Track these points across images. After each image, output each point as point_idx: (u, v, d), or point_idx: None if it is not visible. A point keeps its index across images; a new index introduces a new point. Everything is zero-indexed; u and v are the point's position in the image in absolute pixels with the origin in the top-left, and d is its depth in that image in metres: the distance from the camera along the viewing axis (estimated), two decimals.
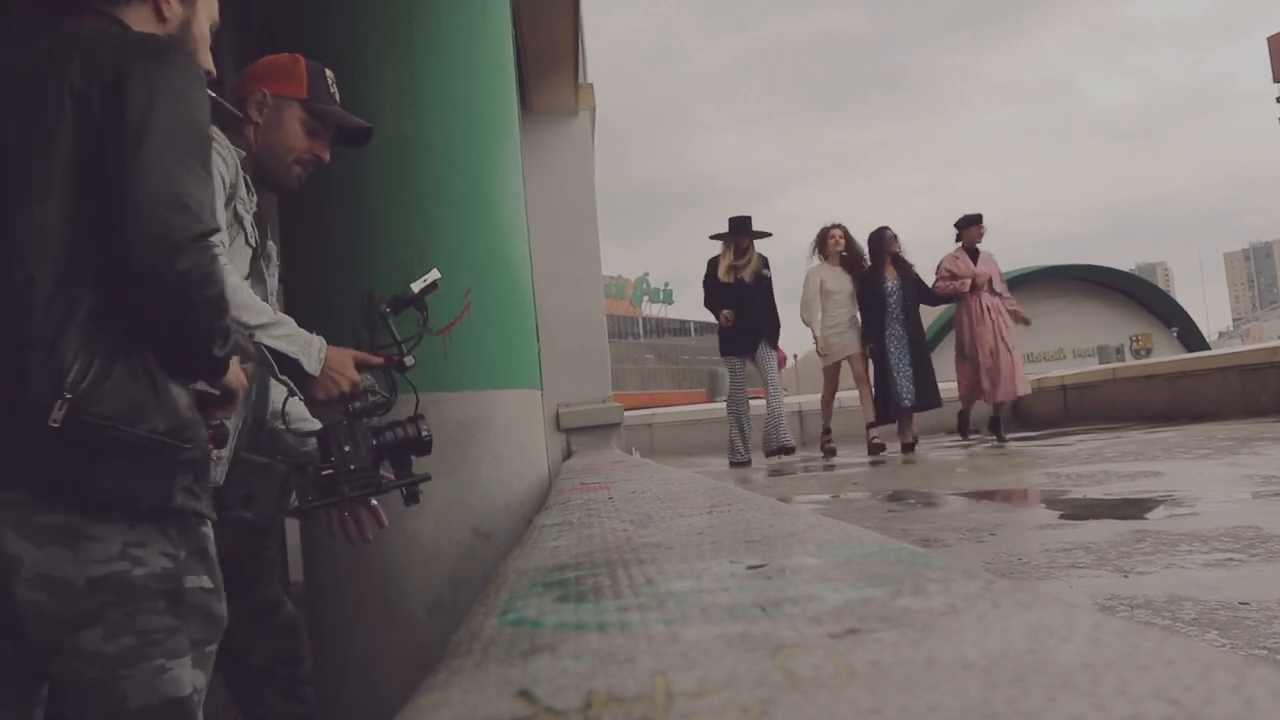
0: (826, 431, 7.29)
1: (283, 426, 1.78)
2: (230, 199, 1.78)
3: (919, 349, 6.93)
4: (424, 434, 1.81)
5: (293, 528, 2.82)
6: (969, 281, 7.00)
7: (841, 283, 7.06)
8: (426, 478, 1.84)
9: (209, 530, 1.32)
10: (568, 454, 4.99)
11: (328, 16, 2.67)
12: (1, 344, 1.14)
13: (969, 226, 7.27)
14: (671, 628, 0.67)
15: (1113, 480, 4.10)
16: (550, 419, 5.07)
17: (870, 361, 7.00)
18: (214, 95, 1.43)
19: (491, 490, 2.71)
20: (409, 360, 1.87)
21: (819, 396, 7.61)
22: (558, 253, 5.51)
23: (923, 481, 4.87)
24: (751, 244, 7.06)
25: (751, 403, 7.19)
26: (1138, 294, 28.13)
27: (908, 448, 6.83)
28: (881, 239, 7.09)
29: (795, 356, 24.70)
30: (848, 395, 7.53)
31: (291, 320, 1.77)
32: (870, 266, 7.01)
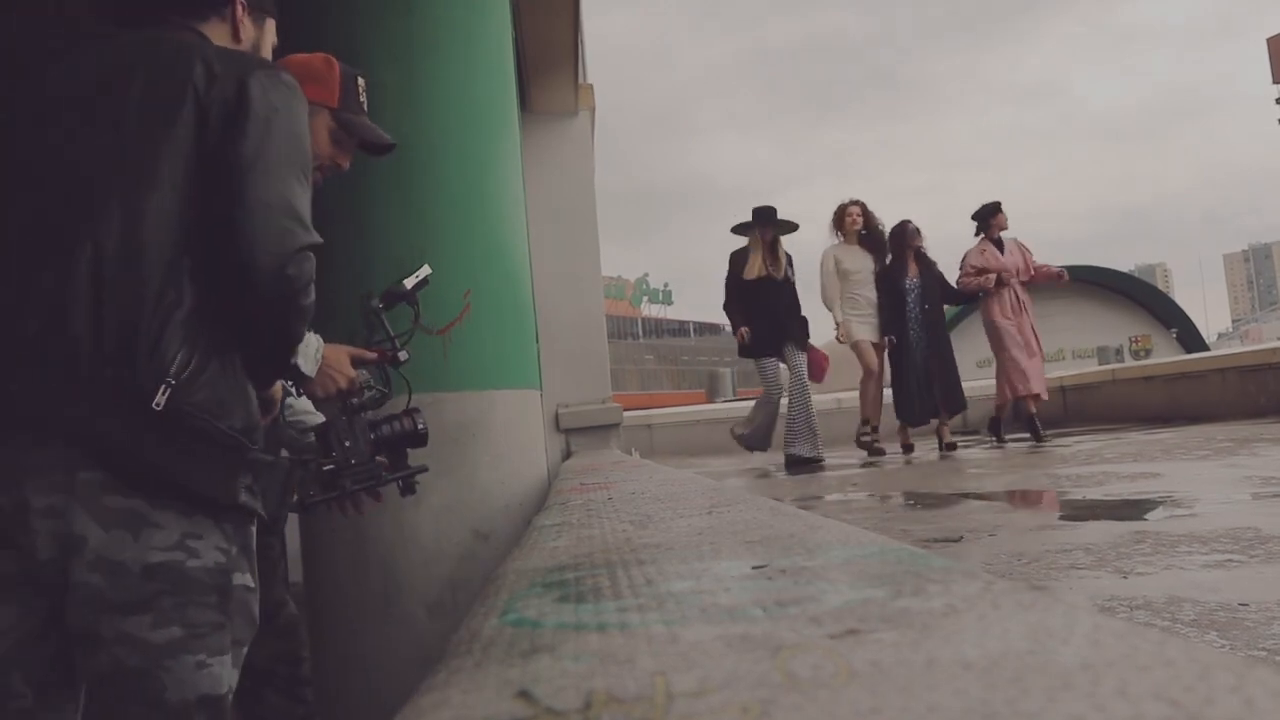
0: (869, 425, 6.71)
1: (285, 419, 1.83)
2: None
3: (943, 350, 6.59)
4: (419, 427, 1.85)
5: (292, 529, 2.82)
6: (994, 276, 6.62)
7: (860, 262, 6.62)
8: (424, 469, 1.88)
9: (254, 531, 1.35)
10: (567, 454, 4.99)
11: (328, 16, 2.67)
12: (113, 327, 1.17)
13: (991, 216, 6.84)
14: (671, 628, 0.67)
15: (1112, 481, 4.10)
16: (550, 419, 5.08)
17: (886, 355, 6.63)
18: None
19: (491, 490, 2.71)
20: (403, 355, 1.91)
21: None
22: (558, 253, 5.51)
23: (922, 482, 4.87)
24: (777, 237, 6.45)
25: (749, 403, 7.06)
26: (1137, 295, 28.13)
27: (950, 446, 6.52)
28: (904, 233, 6.70)
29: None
30: (849, 396, 7.26)
31: None
32: (890, 262, 6.65)
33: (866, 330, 6.58)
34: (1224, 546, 2.48)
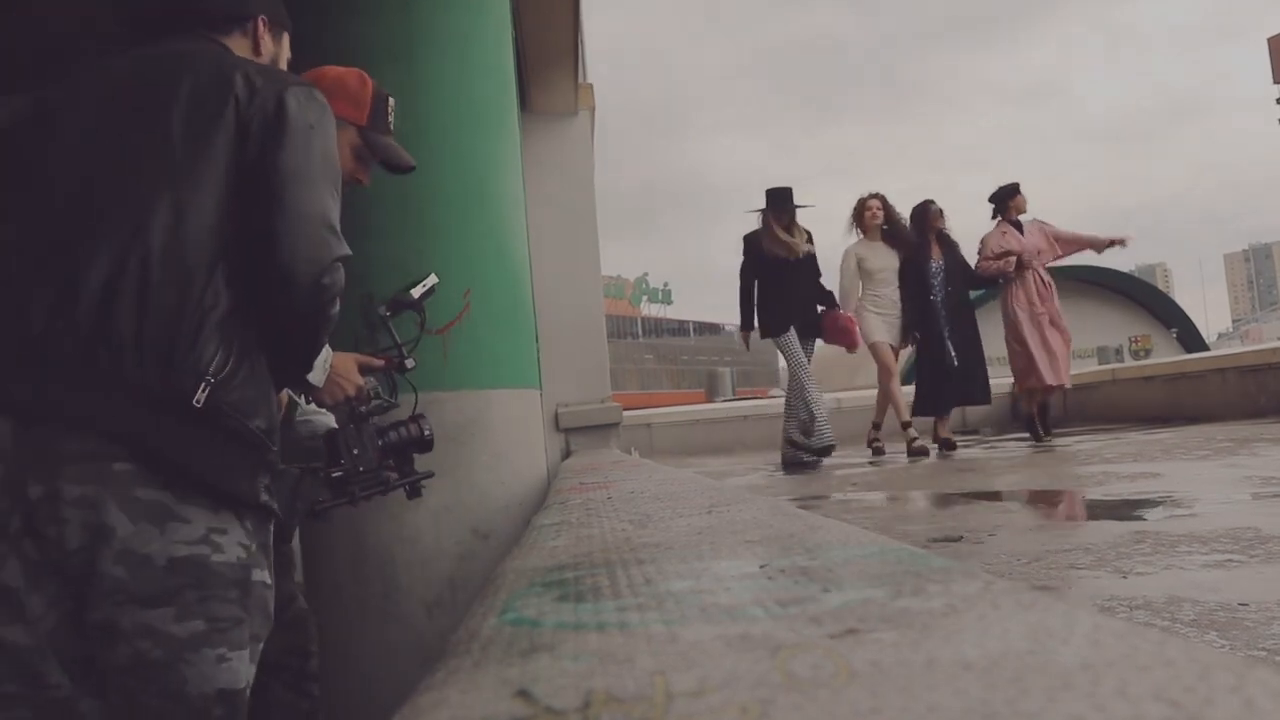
0: (906, 425, 6.26)
1: (295, 419, 1.93)
2: None
3: (970, 335, 6.21)
4: (426, 433, 1.89)
5: None
6: (1014, 260, 6.27)
7: (884, 259, 6.22)
8: (430, 474, 1.92)
9: (271, 530, 1.38)
10: (567, 454, 4.99)
11: (327, 16, 2.67)
12: (155, 326, 1.21)
13: (1009, 198, 6.48)
14: (671, 628, 0.67)
15: (1112, 481, 4.10)
16: (549, 419, 5.07)
17: (912, 349, 6.30)
18: None
19: (490, 490, 2.71)
20: (410, 362, 1.96)
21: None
22: (558, 252, 5.51)
23: (922, 482, 4.87)
24: (794, 219, 6.05)
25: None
26: (1137, 295, 28.13)
27: (947, 444, 6.20)
28: (926, 213, 6.32)
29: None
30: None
31: None
32: (914, 244, 6.26)
33: (885, 331, 6.22)
34: (1224, 546, 2.48)
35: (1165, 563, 2.37)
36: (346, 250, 1.38)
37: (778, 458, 6.46)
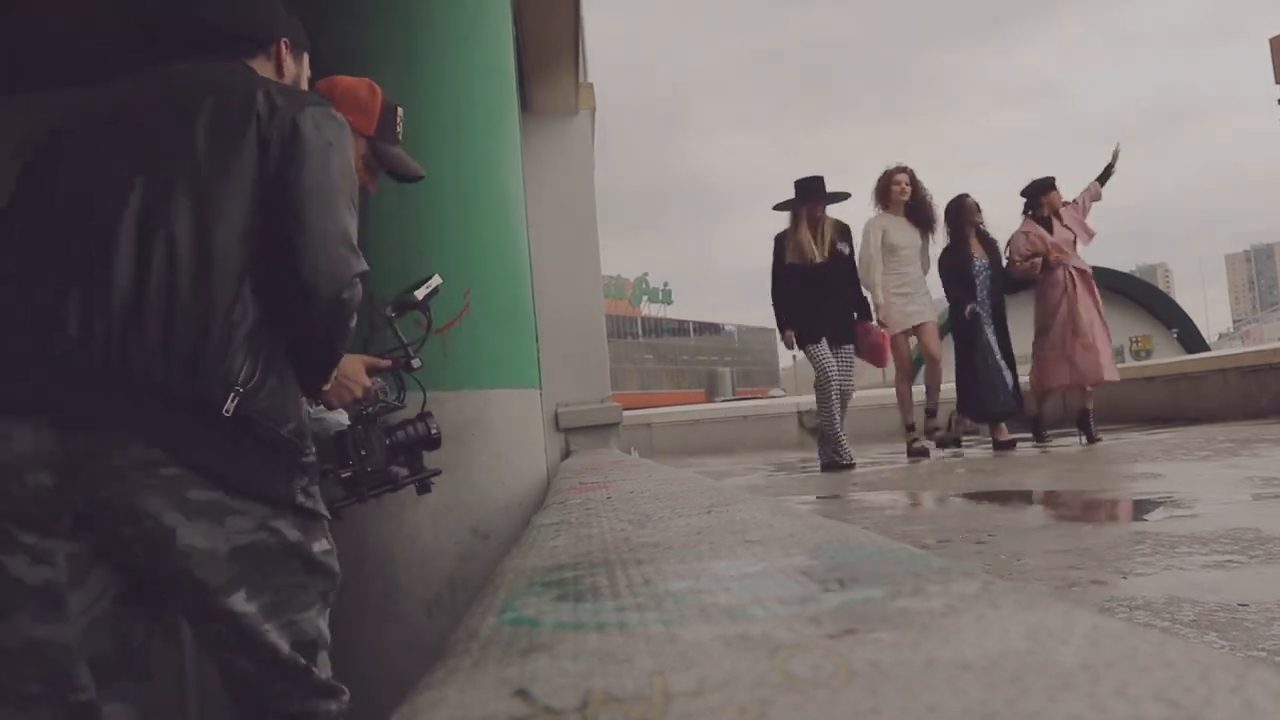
0: (910, 428, 6.02)
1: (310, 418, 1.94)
2: None
3: (1004, 340, 5.94)
4: (433, 431, 1.94)
5: None
6: (1039, 261, 5.90)
7: (908, 236, 5.82)
8: (438, 472, 1.97)
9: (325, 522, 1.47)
10: (566, 454, 4.99)
11: (324, 18, 2.67)
12: (184, 338, 1.26)
13: (1042, 194, 6.05)
14: (670, 628, 0.67)
15: (1112, 481, 4.09)
16: (549, 419, 5.07)
17: (953, 334, 5.89)
18: None
19: (490, 489, 2.71)
20: (416, 362, 1.98)
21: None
22: (558, 253, 5.51)
23: (923, 483, 4.87)
24: (825, 213, 5.57)
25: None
26: (1138, 295, 28.12)
27: (1005, 445, 5.89)
28: (962, 209, 5.93)
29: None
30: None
31: None
32: (951, 242, 5.94)
33: (915, 311, 5.79)
34: (1224, 547, 2.48)
35: (1165, 563, 2.37)
36: (365, 266, 1.42)
37: (778, 458, 6.47)
